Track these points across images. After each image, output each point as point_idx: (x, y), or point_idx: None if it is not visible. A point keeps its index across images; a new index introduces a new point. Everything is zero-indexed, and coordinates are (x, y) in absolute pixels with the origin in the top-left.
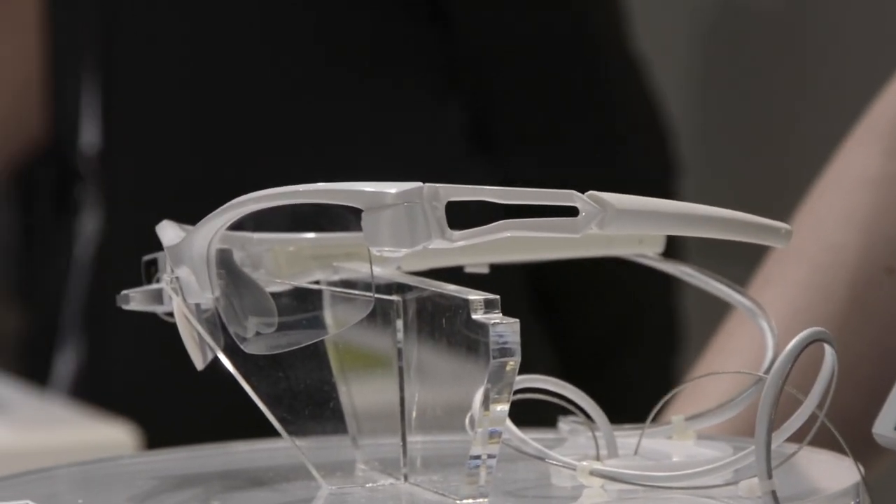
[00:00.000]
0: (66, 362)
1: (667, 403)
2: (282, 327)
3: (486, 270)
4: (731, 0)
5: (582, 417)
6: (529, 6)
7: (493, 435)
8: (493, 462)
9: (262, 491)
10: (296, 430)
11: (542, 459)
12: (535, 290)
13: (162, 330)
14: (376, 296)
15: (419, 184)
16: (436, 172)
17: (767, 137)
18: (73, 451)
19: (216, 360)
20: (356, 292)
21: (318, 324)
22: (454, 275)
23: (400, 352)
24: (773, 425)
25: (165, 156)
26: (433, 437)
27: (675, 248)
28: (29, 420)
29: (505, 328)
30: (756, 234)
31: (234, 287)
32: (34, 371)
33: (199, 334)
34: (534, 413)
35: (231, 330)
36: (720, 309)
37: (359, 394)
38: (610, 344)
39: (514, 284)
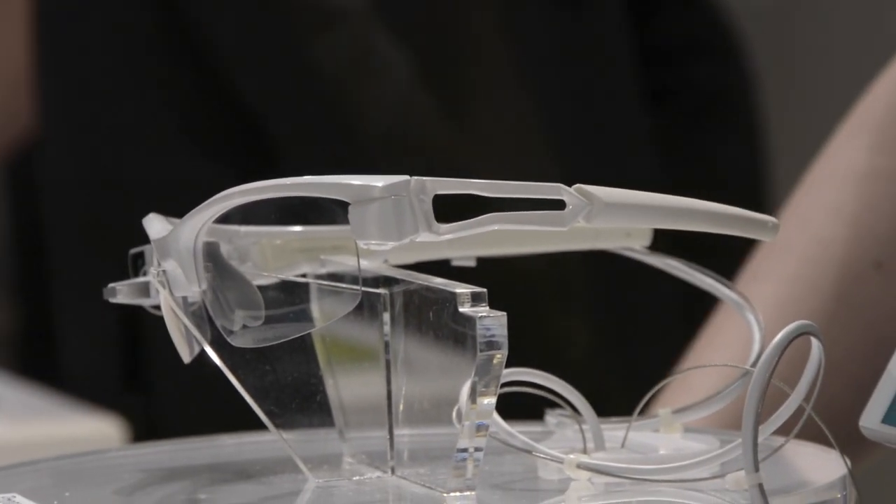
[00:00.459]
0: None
1: (654, 397)
2: (269, 320)
3: (473, 264)
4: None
5: (569, 410)
6: None
7: (481, 428)
8: (480, 455)
9: (250, 484)
10: (283, 423)
11: (529, 452)
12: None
13: (150, 322)
14: (363, 289)
15: (406, 177)
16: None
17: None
18: (59, 443)
19: (203, 353)
20: (343, 285)
21: (305, 317)
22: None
23: (387, 345)
24: (760, 418)
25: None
26: (420, 430)
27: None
28: (15, 413)
29: (492, 321)
30: (743, 227)
31: (221, 280)
32: (22, 364)
33: (185, 327)
34: (521, 406)
35: (218, 323)
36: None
37: (346, 387)
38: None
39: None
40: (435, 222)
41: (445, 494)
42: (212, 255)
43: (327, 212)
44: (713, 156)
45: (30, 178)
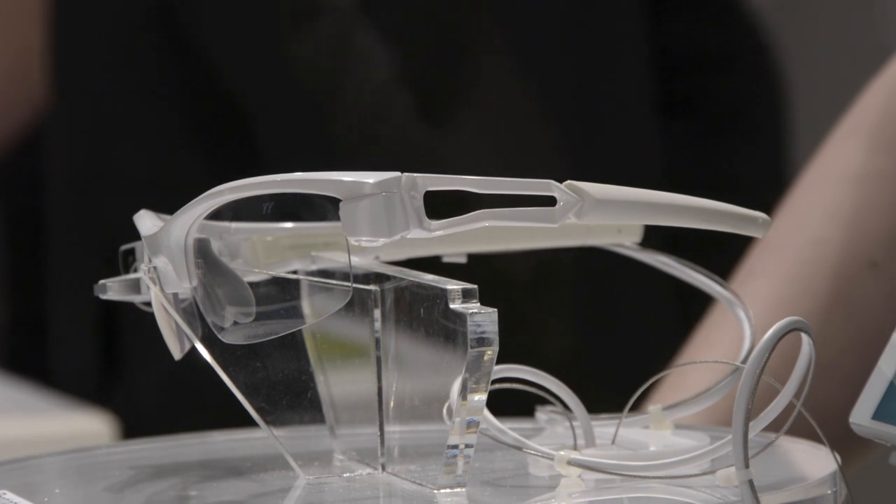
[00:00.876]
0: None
1: (645, 393)
2: (259, 317)
3: (464, 260)
4: None
5: (560, 407)
6: None
7: (471, 424)
8: (470, 451)
9: (240, 481)
10: (273, 419)
11: (519, 449)
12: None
13: (142, 321)
14: (354, 285)
15: (397, 173)
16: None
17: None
18: (50, 440)
19: (194, 349)
20: (334, 282)
21: (295, 313)
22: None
23: (378, 341)
24: (751, 415)
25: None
26: (411, 427)
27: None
28: (5, 409)
29: (483, 317)
30: (734, 223)
31: (211, 277)
32: (12, 360)
33: (176, 324)
34: (512, 402)
35: (209, 320)
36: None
37: (336, 384)
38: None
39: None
40: (426, 219)
41: (436, 491)
42: (203, 251)
43: (318, 208)
44: (730, 172)
45: (22, 172)
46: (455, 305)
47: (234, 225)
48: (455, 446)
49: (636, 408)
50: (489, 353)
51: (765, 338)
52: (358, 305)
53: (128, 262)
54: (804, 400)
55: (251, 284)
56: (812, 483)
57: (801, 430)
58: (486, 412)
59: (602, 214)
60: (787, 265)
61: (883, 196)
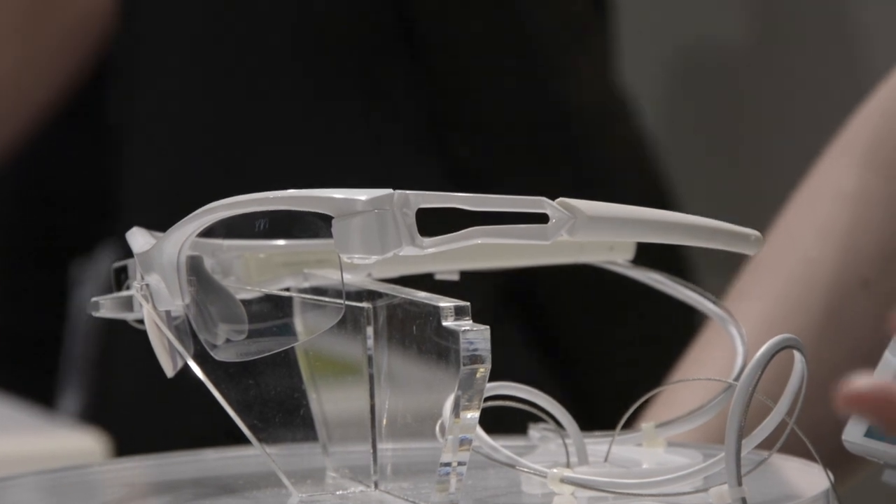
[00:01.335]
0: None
1: (638, 411)
2: (252, 334)
3: (456, 277)
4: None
5: (552, 425)
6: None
7: (464, 442)
8: (463, 469)
9: (233, 498)
10: (266, 437)
11: (512, 467)
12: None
13: (133, 338)
14: (347, 303)
15: (389, 190)
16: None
17: (743, 151)
18: (41, 458)
19: (186, 367)
20: (327, 299)
21: (288, 331)
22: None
23: (370, 359)
24: (744, 432)
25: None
26: (403, 445)
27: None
28: None
29: (475, 335)
30: (726, 241)
31: (204, 294)
32: (3, 378)
33: (169, 341)
34: (504, 420)
35: (201, 337)
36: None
37: (329, 401)
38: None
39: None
40: (419, 236)
41: None
42: (195, 269)
43: (311, 225)
44: None
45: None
46: (447, 323)
47: (227, 242)
48: (448, 464)
49: (629, 425)
50: (482, 370)
51: (757, 355)
52: (350, 323)
53: (120, 280)
54: (797, 417)
55: (244, 302)
56: (805, 501)
57: (794, 447)
58: (479, 430)
59: (594, 231)
60: (780, 284)
61: (875, 215)
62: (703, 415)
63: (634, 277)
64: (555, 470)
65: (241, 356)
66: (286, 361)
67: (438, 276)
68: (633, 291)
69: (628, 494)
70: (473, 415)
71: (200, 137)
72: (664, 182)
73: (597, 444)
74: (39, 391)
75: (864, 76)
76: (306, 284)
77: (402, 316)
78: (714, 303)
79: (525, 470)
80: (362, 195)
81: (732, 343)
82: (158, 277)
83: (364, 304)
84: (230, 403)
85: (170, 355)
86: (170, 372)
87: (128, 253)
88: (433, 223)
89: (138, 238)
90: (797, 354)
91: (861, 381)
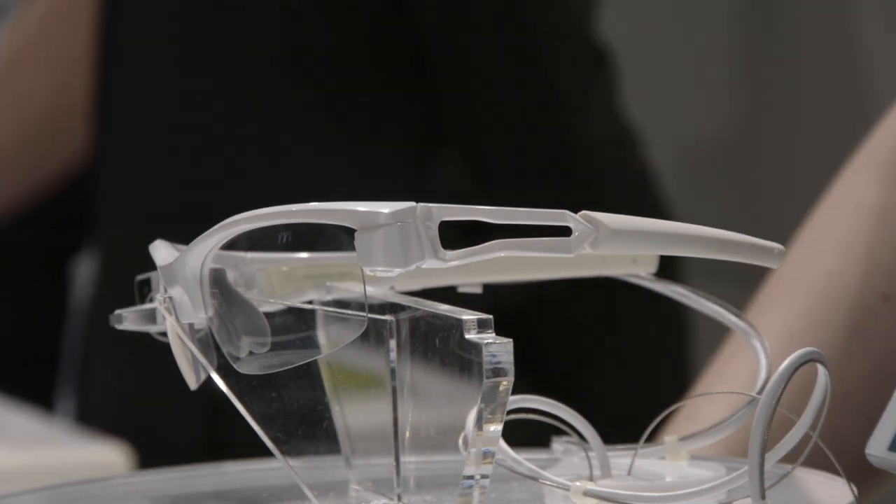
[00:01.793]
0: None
1: (661, 424)
2: (275, 347)
3: (479, 290)
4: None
5: (575, 437)
6: (514, 78)
7: (487, 455)
8: (486, 482)
9: None
10: (289, 450)
11: (535, 480)
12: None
13: (156, 349)
14: (370, 315)
15: (412, 203)
16: None
17: (763, 164)
18: (65, 470)
19: (210, 379)
20: (349, 312)
21: (311, 344)
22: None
23: (393, 371)
24: (767, 445)
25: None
26: (426, 457)
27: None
28: (22, 440)
29: (498, 348)
30: (749, 254)
31: (227, 307)
32: (29, 391)
33: (192, 354)
34: (527, 433)
35: (224, 350)
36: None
37: (352, 414)
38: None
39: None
40: (441, 249)
41: None
42: (218, 281)
43: (333, 238)
44: None
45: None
46: (470, 336)
47: (250, 255)
48: (471, 476)
49: (652, 439)
50: (504, 383)
51: (780, 369)
52: (373, 335)
53: (143, 293)
54: (820, 431)
55: (266, 315)
56: None
57: (817, 461)
58: (502, 442)
59: (617, 244)
60: (801, 297)
61: None
62: (727, 428)
63: (658, 290)
64: (578, 483)
65: (264, 369)
66: (309, 374)
67: (461, 289)
68: (624, 306)
69: None
70: (496, 427)
71: (191, 139)
72: (665, 208)
73: (620, 458)
74: (38, 394)
75: (886, 90)
76: (329, 297)
77: (425, 329)
78: (738, 316)
79: (548, 483)
80: (385, 208)
81: (755, 356)
82: (181, 290)
83: (387, 317)
84: (253, 416)
85: (193, 368)
86: (193, 384)
87: (130, 261)
88: (454, 237)
89: (161, 251)
90: (821, 368)
91: None
